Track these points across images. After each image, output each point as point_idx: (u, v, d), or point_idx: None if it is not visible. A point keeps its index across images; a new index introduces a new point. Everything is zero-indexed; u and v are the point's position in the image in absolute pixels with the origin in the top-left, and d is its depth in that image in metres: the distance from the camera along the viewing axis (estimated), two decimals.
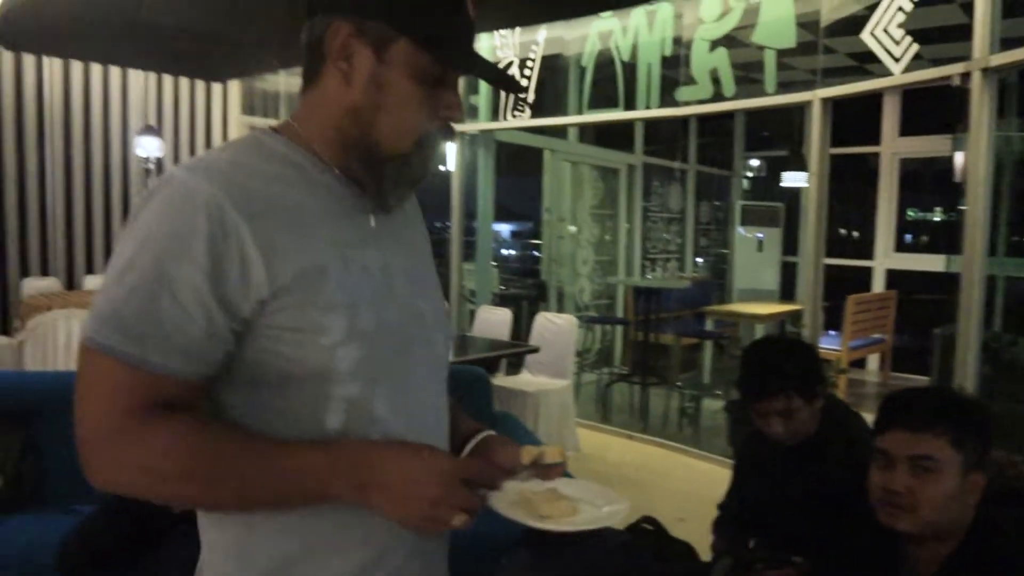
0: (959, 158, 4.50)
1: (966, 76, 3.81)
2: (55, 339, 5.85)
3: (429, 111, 1.07)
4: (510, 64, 6.39)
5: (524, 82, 6.27)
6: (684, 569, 2.27)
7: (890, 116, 8.28)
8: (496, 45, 6.53)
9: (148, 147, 7.49)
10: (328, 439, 1.03)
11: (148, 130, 7.56)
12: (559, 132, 7.62)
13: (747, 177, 9.86)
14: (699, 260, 9.78)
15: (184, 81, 8.75)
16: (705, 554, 2.42)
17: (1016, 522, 1.64)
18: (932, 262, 7.89)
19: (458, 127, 5.61)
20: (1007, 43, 3.74)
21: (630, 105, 5.72)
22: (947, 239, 7.99)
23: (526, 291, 8.22)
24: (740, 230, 9.23)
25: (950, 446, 1.54)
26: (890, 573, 1.64)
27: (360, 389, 1.04)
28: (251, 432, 1.03)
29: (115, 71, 8.00)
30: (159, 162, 8.15)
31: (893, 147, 8.31)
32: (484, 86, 6.37)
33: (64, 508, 2.88)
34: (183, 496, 1.01)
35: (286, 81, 8.71)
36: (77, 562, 2.45)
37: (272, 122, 1.16)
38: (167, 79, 8.62)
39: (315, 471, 0.99)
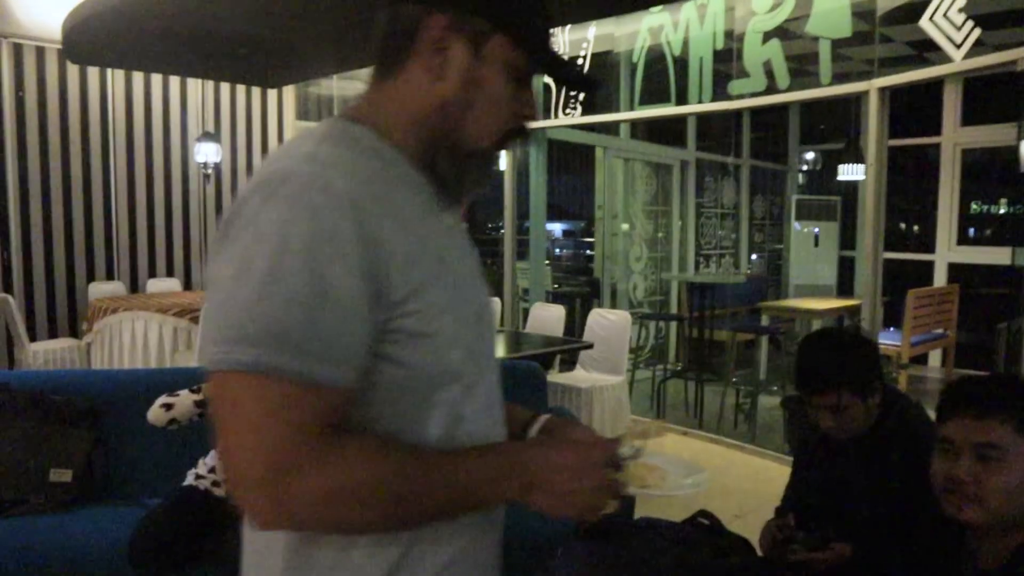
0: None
1: None
2: (120, 340, 6.03)
3: (514, 109, 1.06)
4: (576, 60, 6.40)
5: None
6: (740, 563, 2.25)
7: (951, 105, 8.07)
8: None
9: (207, 153, 7.66)
10: (479, 449, 1.02)
11: (206, 136, 7.74)
12: (611, 129, 7.60)
13: (802, 171, 9.71)
14: (754, 256, 9.67)
15: (240, 88, 8.93)
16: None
17: None
18: (996, 255, 7.68)
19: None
20: None
21: (682, 100, 5.69)
22: (1012, 232, 7.77)
23: (579, 288, 8.22)
24: (796, 225, 9.10)
25: (1016, 432, 1.50)
26: (953, 566, 1.60)
27: (460, 391, 1.02)
28: (413, 445, 0.99)
29: (175, 80, 8.19)
30: (217, 167, 8.34)
31: (955, 137, 8.11)
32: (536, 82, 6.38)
33: (132, 501, 2.97)
34: (364, 522, 0.94)
35: (339, 85, 8.84)
36: (146, 553, 2.52)
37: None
38: (224, 87, 8.80)
39: (489, 478, 0.97)
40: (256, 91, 9.09)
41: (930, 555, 1.66)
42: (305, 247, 0.87)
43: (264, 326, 0.86)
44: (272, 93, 9.21)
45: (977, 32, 4.11)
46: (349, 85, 8.67)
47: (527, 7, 1.05)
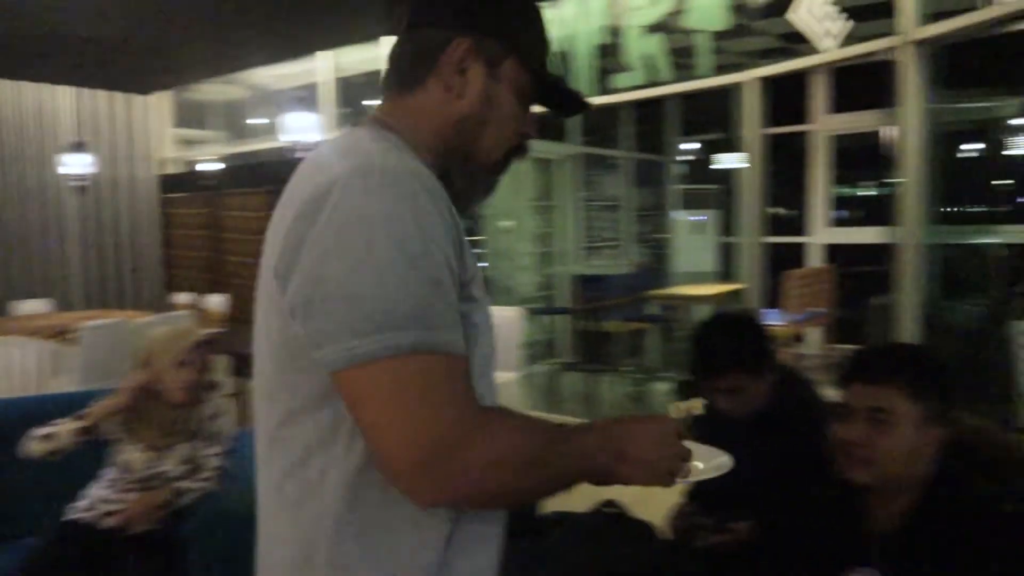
0: (890, 132, 4.58)
1: (895, 50, 3.88)
2: None
3: (519, 127, 1.13)
4: None
5: None
6: (650, 550, 2.27)
7: (820, 94, 8.40)
8: None
9: (77, 164, 7.25)
10: (572, 425, 1.06)
11: (76, 147, 7.32)
12: None
13: (681, 161, 9.95)
14: (641, 247, 9.84)
15: (117, 96, 8.53)
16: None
17: (974, 475, 1.67)
18: (866, 235, 8.05)
19: None
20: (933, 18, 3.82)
21: None
22: (880, 212, 8.16)
23: None
24: (679, 214, 9.31)
25: (907, 399, 1.55)
26: (852, 531, 1.64)
27: (486, 384, 1.06)
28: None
29: (41, 88, 7.77)
30: (90, 178, 7.91)
31: (824, 124, 8.45)
32: None
33: (8, 541, 2.76)
34: (523, 487, 0.99)
35: (217, 90, 8.52)
36: None
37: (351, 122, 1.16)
38: (97, 94, 8.38)
39: (591, 449, 1.02)
40: (132, 98, 8.70)
41: (829, 524, 1.70)
42: (419, 230, 0.93)
43: (410, 308, 0.91)
44: (148, 100, 8.84)
45: (846, 25, 4.27)
46: (228, 90, 8.37)
47: (536, 33, 1.15)
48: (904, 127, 3.84)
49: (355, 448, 0.98)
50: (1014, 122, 6.14)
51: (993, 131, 7.00)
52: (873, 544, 1.59)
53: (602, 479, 1.04)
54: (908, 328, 3.95)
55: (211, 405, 2.71)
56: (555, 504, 2.88)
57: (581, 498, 2.49)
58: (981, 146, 6.80)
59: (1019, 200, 8.37)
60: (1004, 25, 6.54)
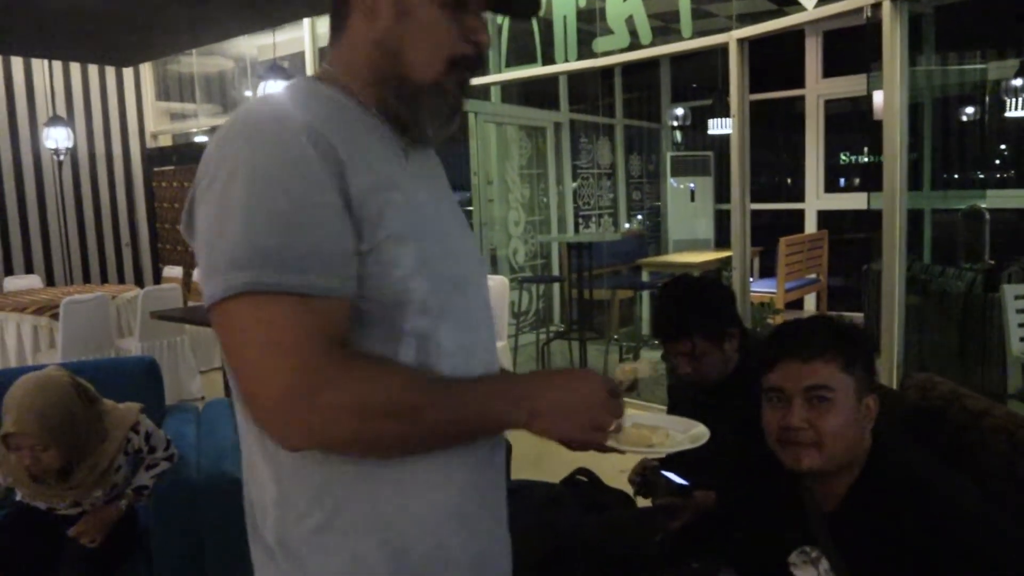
0: (877, 97, 4.50)
1: (877, 8, 3.80)
2: None
3: (455, 35, 1.07)
4: None
5: None
6: (617, 516, 2.24)
7: (812, 58, 8.31)
8: None
9: (57, 138, 7.20)
10: (489, 376, 1.08)
11: (55, 121, 7.27)
12: (482, 94, 7.50)
13: (674, 127, 9.85)
14: (639, 215, 9.77)
15: (93, 69, 8.44)
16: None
17: (912, 448, 1.63)
18: (858, 200, 7.99)
19: None
20: None
21: (548, 61, 5.63)
22: (875, 178, 8.09)
23: None
24: (672, 181, 9.24)
25: (841, 371, 1.51)
26: (797, 510, 1.60)
27: (429, 323, 1.03)
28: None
29: (17, 62, 7.67)
30: (72, 153, 7.87)
31: (817, 89, 8.36)
32: None
33: None
34: (390, 435, 0.96)
35: (199, 62, 8.43)
36: None
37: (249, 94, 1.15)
38: (75, 67, 8.30)
39: (496, 401, 1.02)
40: (111, 71, 8.62)
41: (774, 500, 1.66)
42: (275, 172, 0.92)
43: (253, 249, 0.90)
44: (128, 73, 8.75)
45: None
46: (210, 61, 8.29)
47: None
48: (888, 88, 3.76)
49: None
50: (1012, 84, 6.03)
51: (989, 95, 6.90)
52: (817, 522, 1.56)
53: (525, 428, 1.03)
54: (895, 294, 3.90)
55: (102, 455, 2.39)
56: (526, 474, 2.87)
57: (561, 468, 2.49)
58: (973, 110, 6.70)
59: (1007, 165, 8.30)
60: None
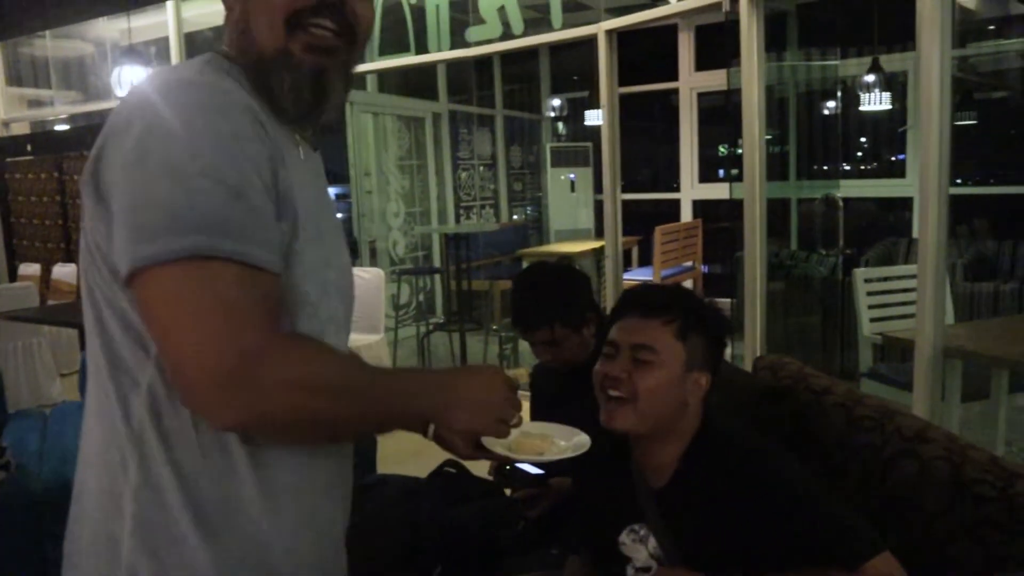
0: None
1: (735, 3, 3.91)
2: None
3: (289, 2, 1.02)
4: None
5: None
6: (476, 508, 2.24)
7: (685, 52, 8.53)
8: None
9: None
10: (405, 368, 1.00)
11: None
12: (358, 83, 7.39)
13: (553, 118, 9.95)
14: (517, 205, 9.83)
15: None
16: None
17: (738, 422, 1.68)
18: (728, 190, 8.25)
19: None
20: None
21: (422, 50, 5.59)
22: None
23: None
24: (552, 172, 9.33)
25: (674, 336, 1.53)
26: (626, 487, 1.62)
27: (317, 326, 1.04)
28: None
29: None
30: None
31: (690, 82, 8.58)
32: None
33: None
34: (325, 415, 0.94)
35: (53, 45, 7.98)
36: None
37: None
38: None
39: (415, 392, 1.04)
40: None
41: (604, 480, 1.67)
42: (221, 143, 0.90)
43: (199, 214, 0.86)
44: None
45: None
46: (67, 45, 7.85)
47: None
48: (747, 84, 3.89)
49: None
50: (866, 80, 6.35)
51: (847, 90, 7.25)
52: (644, 498, 1.58)
53: (428, 422, 1.05)
54: (757, 278, 4.04)
55: None
56: (391, 469, 2.85)
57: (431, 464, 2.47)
58: (833, 105, 7.03)
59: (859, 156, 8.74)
60: None
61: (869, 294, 4.29)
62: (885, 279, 4.47)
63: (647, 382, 1.50)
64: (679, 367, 1.52)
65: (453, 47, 5.43)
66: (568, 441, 1.31)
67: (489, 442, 1.13)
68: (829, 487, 1.61)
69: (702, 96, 8.66)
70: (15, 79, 8.33)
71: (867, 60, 6.46)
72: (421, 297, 8.11)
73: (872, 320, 4.25)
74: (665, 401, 1.52)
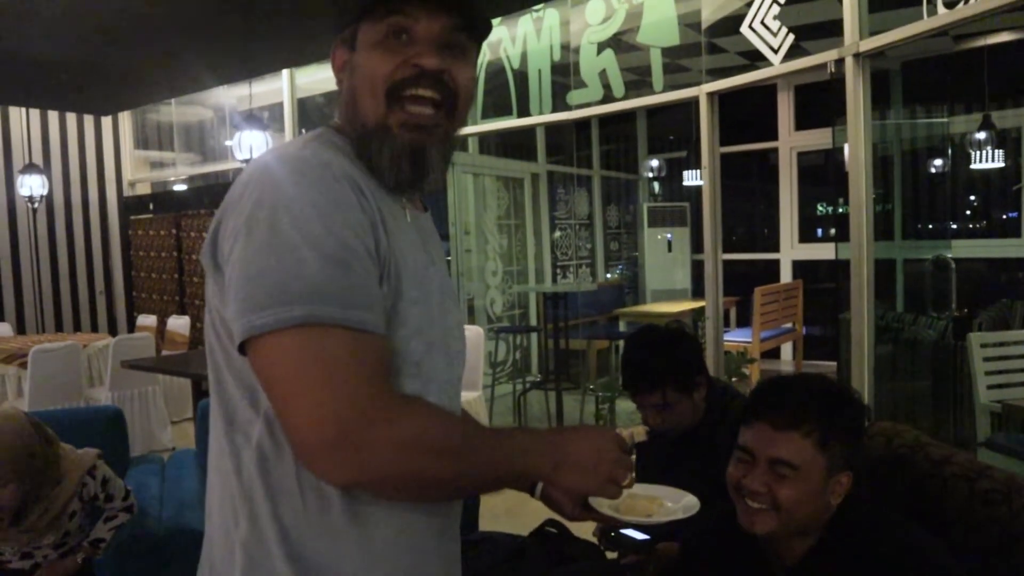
0: (847, 149, 4.59)
1: (840, 63, 3.88)
2: None
3: (391, 66, 1.07)
4: None
5: None
6: (582, 569, 2.22)
7: (785, 112, 8.46)
8: None
9: (31, 186, 7.20)
10: (515, 427, 1.06)
11: (30, 168, 7.27)
12: (459, 146, 7.54)
13: (651, 179, 9.96)
14: (613, 264, 9.82)
15: (71, 116, 8.46)
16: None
17: (881, 503, 1.62)
18: (832, 251, 8.06)
19: None
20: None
21: (524, 113, 5.71)
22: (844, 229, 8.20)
23: None
24: (649, 232, 9.31)
25: (815, 447, 1.47)
26: (756, 564, 1.58)
27: (420, 385, 1.05)
28: None
29: (11, 111, 7.71)
30: (48, 200, 7.85)
31: (789, 141, 8.50)
32: None
33: None
34: (433, 474, 0.97)
35: (179, 111, 8.47)
36: None
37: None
38: (52, 115, 8.32)
39: (527, 451, 1.05)
40: (89, 119, 8.64)
41: (731, 554, 1.64)
42: (325, 213, 0.94)
43: (308, 285, 0.91)
44: (107, 121, 8.77)
45: (790, 38, 4.28)
46: (189, 111, 8.33)
47: None
48: (852, 140, 3.83)
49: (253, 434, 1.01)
50: (976, 137, 6.18)
51: (954, 148, 7.06)
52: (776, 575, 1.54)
53: (537, 481, 1.08)
54: (864, 343, 3.93)
55: (55, 499, 2.32)
56: (495, 526, 2.85)
57: (532, 520, 2.46)
58: (940, 163, 6.84)
59: (971, 215, 8.43)
60: (958, 43, 6.62)
61: (986, 360, 4.11)
62: (1002, 344, 4.28)
63: (789, 494, 1.46)
64: (820, 476, 1.47)
65: (554, 110, 5.53)
66: (677, 503, 1.28)
67: (597, 502, 1.12)
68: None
69: (802, 155, 8.55)
70: (141, 143, 8.85)
71: (977, 117, 6.29)
72: (518, 355, 8.14)
73: (989, 387, 4.06)
74: (807, 508, 1.48)
